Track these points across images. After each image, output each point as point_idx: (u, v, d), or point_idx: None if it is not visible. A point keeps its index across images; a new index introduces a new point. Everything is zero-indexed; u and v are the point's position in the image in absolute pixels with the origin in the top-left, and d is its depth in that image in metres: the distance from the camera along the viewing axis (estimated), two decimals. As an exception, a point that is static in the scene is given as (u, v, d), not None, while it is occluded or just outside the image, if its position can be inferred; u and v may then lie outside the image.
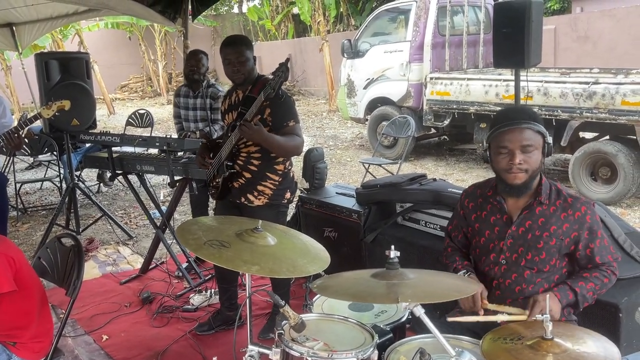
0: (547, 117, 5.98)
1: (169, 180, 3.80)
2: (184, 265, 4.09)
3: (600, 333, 1.67)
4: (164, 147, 3.68)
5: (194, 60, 4.13)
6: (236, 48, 2.87)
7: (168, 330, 3.34)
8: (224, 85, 4.36)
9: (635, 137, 5.41)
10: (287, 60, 2.65)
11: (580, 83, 5.82)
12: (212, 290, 3.68)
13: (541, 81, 6.08)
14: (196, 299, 3.67)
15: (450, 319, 1.86)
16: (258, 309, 3.48)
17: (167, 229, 4.11)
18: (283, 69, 2.57)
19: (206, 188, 4.05)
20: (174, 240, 4.31)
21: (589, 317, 2.26)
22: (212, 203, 4.38)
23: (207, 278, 3.96)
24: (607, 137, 6.00)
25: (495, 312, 1.92)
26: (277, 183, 2.97)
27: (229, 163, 2.94)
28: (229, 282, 3.29)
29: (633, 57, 9.60)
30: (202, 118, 4.25)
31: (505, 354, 1.55)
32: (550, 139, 1.96)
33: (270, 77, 2.65)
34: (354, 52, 8.67)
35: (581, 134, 6.31)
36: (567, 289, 1.94)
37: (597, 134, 6.23)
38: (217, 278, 3.37)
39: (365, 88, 8.54)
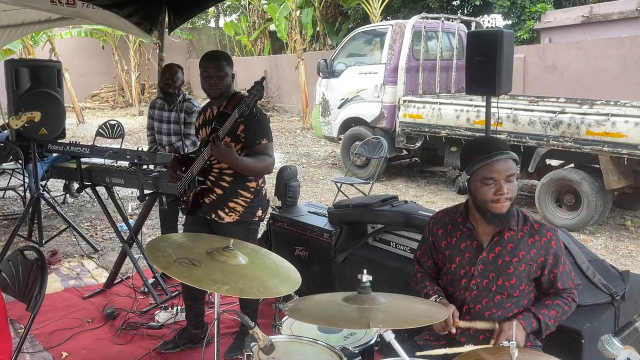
0: (515, 143, 6.14)
1: (138, 194, 3.74)
2: (151, 280, 4.00)
3: (564, 359, 1.70)
4: (135, 160, 3.63)
5: (169, 74, 4.11)
6: (216, 62, 2.88)
7: (131, 348, 3.26)
8: (198, 98, 4.33)
9: (598, 166, 5.58)
10: (263, 78, 2.66)
11: (548, 112, 6.00)
12: (179, 307, 3.61)
13: (511, 108, 6.25)
14: (162, 316, 3.59)
15: (418, 354, 1.86)
16: (225, 327, 3.42)
17: (135, 243, 4.03)
18: (258, 87, 2.57)
19: (176, 203, 4.01)
20: (141, 255, 4.23)
21: (553, 342, 2.30)
22: (181, 218, 4.33)
23: (173, 294, 3.89)
24: (572, 165, 6.18)
25: (461, 342, 1.95)
26: (248, 200, 2.95)
27: (200, 178, 2.92)
28: (196, 300, 3.23)
29: (598, 88, 9.97)
30: (175, 132, 4.22)
31: (472, 379, 1.56)
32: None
33: (246, 94, 2.65)
34: (329, 71, 8.76)
35: (548, 161, 6.49)
36: (531, 317, 1.99)
37: (562, 162, 6.41)
38: (184, 295, 3.31)
39: (339, 107, 8.62)
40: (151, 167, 3.86)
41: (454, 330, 1.95)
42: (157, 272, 4.07)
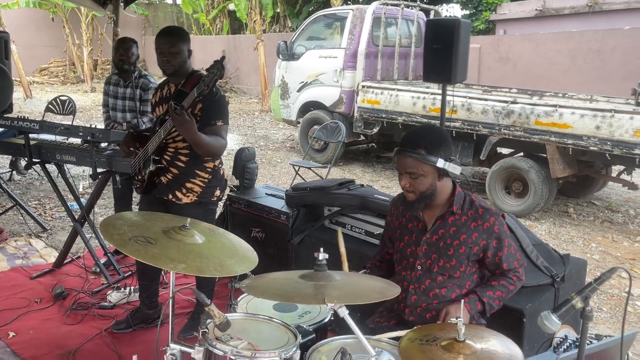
0: (469, 131, 6.32)
1: (90, 172, 3.65)
2: (103, 260, 3.93)
3: (507, 336, 1.80)
4: (88, 138, 3.53)
5: (123, 49, 3.99)
6: (170, 39, 2.83)
7: (82, 328, 3.20)
8: (155, 76, 4.24)
9: (545, 155, 5.82)
10: (223, 58, 2.62)
11: (500, 101, 6.19)
12: (132, 287, 3.57)
13: (465, 97, 6.41)
14: (114, 296, 3.54)
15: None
16: (179, 307, 3.41)
17: (86, 223, 3.93)
18: (218, 67, 2.54)
19: (130, 182, 3.94)
20: (93, 235, 4.14)
21: (497, 321, 2.41)
22: (135, 198, 4.25)
23: (126, 275, 3.84)
24: (522, 153, 6.42)
25: (410, 320, 2.05)
26: (206, 180, 2.93)
27: (155, 157, 2.88)
28: (150, 279, 3.20)
29: (548, 81, 10.34)
30: (130, 108, 4.12)
31: (421, 354, 1.63)
32: (446, 164, 2.04)
33: (205, 73, 2.62)
34: (289, 54, 8.71)
35: (499, 149, 6.71)
36: (476, 300, 2.10)
37: (512, 150, 6.65)
38: (138, 275, 3.27)
39: (298, 91, 8.61)
40: (105, 144, 3.76)
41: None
42: (109, 251, 4.00)
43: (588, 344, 1.78)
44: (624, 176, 6.18)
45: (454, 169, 2.06)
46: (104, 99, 4.26)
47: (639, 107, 5.46)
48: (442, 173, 2.06)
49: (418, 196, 2.08)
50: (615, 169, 6.27)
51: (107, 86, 4.23)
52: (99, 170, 3.67)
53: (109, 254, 3.97)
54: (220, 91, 2.83)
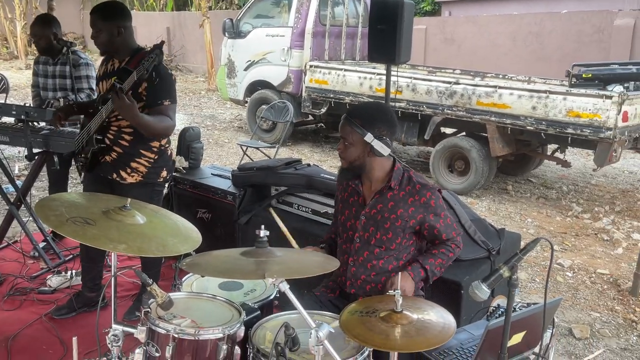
0: (413, 111, 6.45)
1: (26, 153, 3.50)
2: (42, 244, 3.80)
3: (445, 307, 1.89)
4: (22, 117, 3.38)
5: (32, 32, 3.84)
6: (93, 18, 2.77)
7: (20, 313, 3.11)
8: (94, 53, 4.09)
9: (486, 135, 6.04)
10: (162, 42, 2.63)
11: (444, 82, 6.35)
12: (74, 271, 3.48)
13: (410, 78, 6.52)
14: (54, 281, 3.44)
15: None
16: (124, 290, 3.36)
17: (23, 206, 3.78)
18: (157, 52, 2.53)
19: (66, 164, 3.82)
20: (30, 218, 3.99)
21: (436, 293, 2.53)
22: (72, 179, 4.11)
23: (67, 259, 3.74)
24: (464, 133, 6.63)
25: (351, 293, 2.13)
26: (152, 160, 2.88)
27: (98, 137, 2.81)
28: (93, 262, 3.13)
29: (490, 62, 10.65)
30: (61, 87, 3.96)
31: (361, 325, 1.69)
32: (374, 141, 2.12)
33: (149, 49, 2.58)
34: (235, 32, 8.56)
35: (442, 129, 6.89)
36: (419, 267, 2.19)
37: (455, 130, 6.85)
38: (81, 257, 3.18)
39: (245, 70, 8.49)
40: (42, 124, 3.61)
41: None
42: (48, 235, 3.87)
43: (516, 311, 1.90)
44: (558, 154, 6.51)
45: (382, 147, 2.13)
46: (34, 80, 4.06)
47: (572, 88, 5.74)
48: (371, 150, 2.13)
49: (347, 164, 2.20)
50: (550, 147, 6.59)
51: (36, 66, 4.04)
52: (35, 150, 3.53)
53: (48, 238, 3.84)
54: (166, 70, 2.78)
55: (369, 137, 2.11)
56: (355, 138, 2.13)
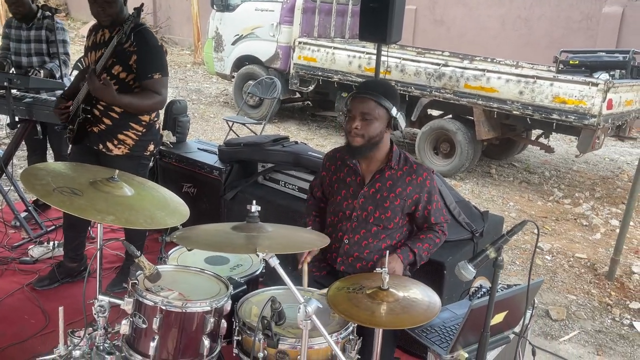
0: (401, 92, 6.44)
1: (8, 121, 3.43)
2: (23, 214, 3.75)
3: (429, 286, 1.92)
4: (5, 84, 3.30)
5: (13, 6, 3.75)
6: None
7: (1, 283, 3.08)
8: (77, 22, 4.01)
9: (472, 118, 6.07)
10: (142, 4, 2.61)
11: (432, 64, 6.34)
12: (56, 242, 3.45)
13: (400, 58, 6.50)
14: (36, 251, 3.41)
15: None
16: (107, 262, 3.35)
17: (4, 175, 3.72)
18: (134, 14, 2.51)
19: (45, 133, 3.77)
20: (12, 187, 3.93)
21: (421, 272, 2.55)
22: (51, 150, 4.07)
23: (49, 229, 3.70)
24: (450, 115, 6.65)
25: (341, 270, 2.14)
26: (140, 134, 2.85)
27: (87, 107, 2.76)
28: (76, 231, 3.09)
29: (478, 45, 10.63)
30: (36, 51, 3.88)
31: (347, 301, 1.72)
32: (397, 114, 2.13)
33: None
34: (224, 4, 8.41)
35: (429, 111, 6.91)
36: (408, 251, 2.23)
37: (442, 112, 6.87)
38: (64, 226, 3.15)
39: (233, 44, 8.38)
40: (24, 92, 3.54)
41: (300, 267, 2.15)
42: (30, 205, 3.82)
43: (499, 292, 1.94)
44: (542, 140, 6.59)
45: (402, 121, 2.14)
46: (4, 43, 3.97)
47: (559, 74, 5.78)
48: (390, 124, 2.12)
49: (366, 141, 2.12)
50: (535, 133, 6.66)
51: (7, 29, 3.94)
52: (18, 118, 3.46)
53: (30, 208, 3.79)
54: (157, 41, 2.73)
55: (394, 111, 2.10)
56: (380, 112, 2.10)
